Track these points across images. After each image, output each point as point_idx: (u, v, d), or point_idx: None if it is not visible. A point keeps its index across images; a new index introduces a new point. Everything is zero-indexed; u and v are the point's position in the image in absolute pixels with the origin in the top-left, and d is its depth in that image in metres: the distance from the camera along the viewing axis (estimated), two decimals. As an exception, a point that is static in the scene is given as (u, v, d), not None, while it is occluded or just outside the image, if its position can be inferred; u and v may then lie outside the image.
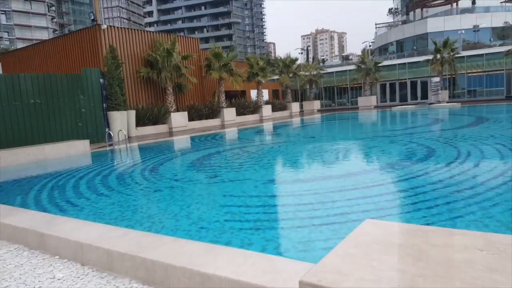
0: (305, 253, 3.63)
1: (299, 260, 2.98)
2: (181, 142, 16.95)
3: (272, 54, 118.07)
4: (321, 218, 4.64)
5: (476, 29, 47.44)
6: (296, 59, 41.15)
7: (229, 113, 28.05)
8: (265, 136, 18.26)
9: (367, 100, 37.67)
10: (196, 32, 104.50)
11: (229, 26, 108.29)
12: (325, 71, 43.08)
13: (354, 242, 2.53)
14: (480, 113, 21.97)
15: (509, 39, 44.20)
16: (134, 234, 3.83)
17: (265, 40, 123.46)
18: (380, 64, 38.95)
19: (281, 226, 4.64)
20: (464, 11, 55.66)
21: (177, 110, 24.12)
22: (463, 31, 46.68)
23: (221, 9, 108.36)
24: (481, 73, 37.13)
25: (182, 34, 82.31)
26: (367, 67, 37.79)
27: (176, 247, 3.31)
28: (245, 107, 30.07)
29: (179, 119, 23.23)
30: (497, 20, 52.54)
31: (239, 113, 29.43)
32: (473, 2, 57.15)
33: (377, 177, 7.03)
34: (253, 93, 36.12)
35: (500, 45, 40.33)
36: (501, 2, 56.28)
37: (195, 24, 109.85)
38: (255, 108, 31.43)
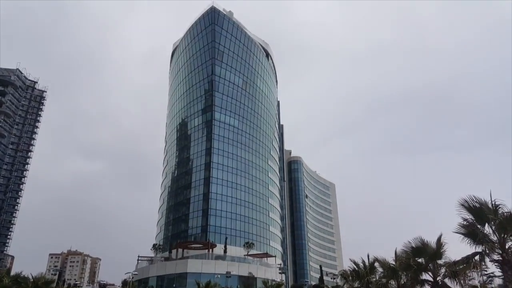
0: None
1: None
2: None
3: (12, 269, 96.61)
4: None
5: (228, 275, 53.97)
6: (53, 281, 35.38)
7: None
8: None
9: None
10: None
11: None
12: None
13: None
14: None
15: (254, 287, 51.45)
16: None
17: (5, 252, 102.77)
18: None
19: None
20: (218, 257, 63.91)
21: None
22: (218, 276, 52.16)
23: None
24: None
25: None
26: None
27: None
28: None
29: None
30: (243, 269, 61.97)
31: None
32: (225, 251, 66.83)
33: None
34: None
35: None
36: (244, 255, 67.91)
37: None
38: None
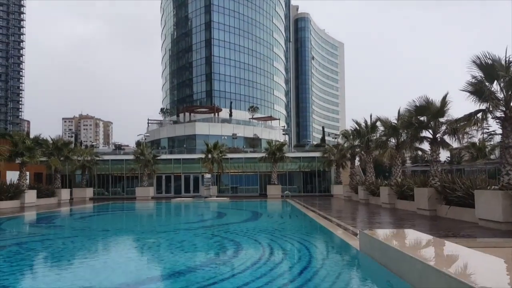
0: None
1: None
2: None
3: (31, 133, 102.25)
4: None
5: (234, 136, 56.91)
6: (70, 142, 37.55)
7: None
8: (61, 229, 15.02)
9: (145, 191, 37.26)
10: None
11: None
12: (101, 158, 40.68)
13: None
14: (249, 207, 25.24)
15: (258, 147, 54.71)
16: None
17: (20, 117, 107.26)
18: (158, 157, 40.11)
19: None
20: (224, 120, 66.38)
21: None
22: (225, 137, 55.04)
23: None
24: (241, 173, 43.64)
25: None
26: (146, 158, 38.13)
27: None
28: (2, 192, 24.27)
29: None
30: (248, 132, 65.06)
31: (-9, 198, 23.41)
32: (230, 115, 69.06)
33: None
34: (10, 175, 29.98)
35: (251, 151, 49.13)
36: (249, 118, 70.40)
37: None
38: (15, 193, 25.77)
